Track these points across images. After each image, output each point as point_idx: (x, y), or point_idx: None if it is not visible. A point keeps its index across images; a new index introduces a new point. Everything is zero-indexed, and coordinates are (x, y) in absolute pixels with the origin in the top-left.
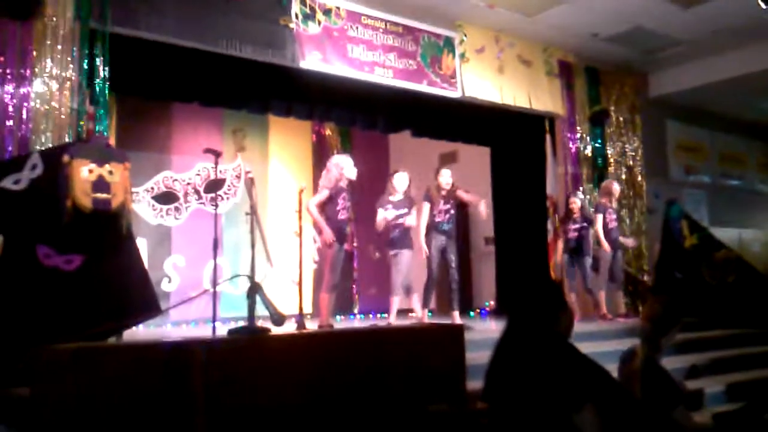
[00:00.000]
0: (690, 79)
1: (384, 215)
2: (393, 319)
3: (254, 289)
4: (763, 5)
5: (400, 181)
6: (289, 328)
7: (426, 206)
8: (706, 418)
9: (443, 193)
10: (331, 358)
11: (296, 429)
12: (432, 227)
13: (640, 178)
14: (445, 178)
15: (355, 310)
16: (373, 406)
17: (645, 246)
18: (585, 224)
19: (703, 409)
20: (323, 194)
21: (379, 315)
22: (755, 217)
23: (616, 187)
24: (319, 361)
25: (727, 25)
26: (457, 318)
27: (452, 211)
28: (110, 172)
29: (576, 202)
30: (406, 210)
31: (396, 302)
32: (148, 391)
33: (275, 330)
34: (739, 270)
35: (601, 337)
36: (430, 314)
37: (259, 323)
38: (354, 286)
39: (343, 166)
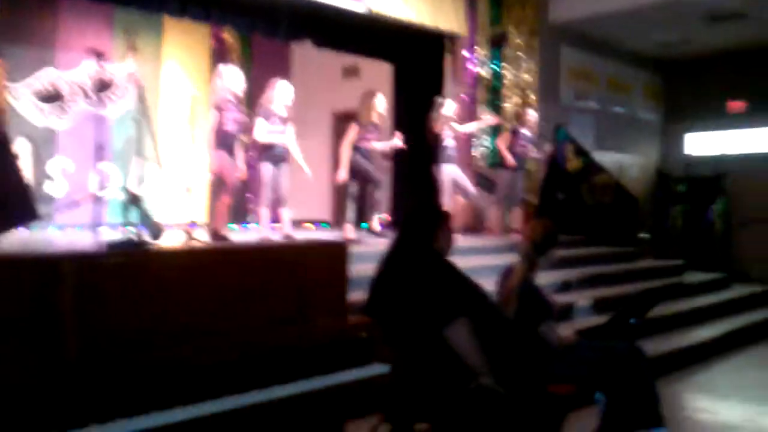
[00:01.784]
0: (588, 7)
1: (269, 129)
2: (266, 230)
3: (133, 201)
4: None
5: (284, 92)
6: (178, 237)
7: (354, 129)
8: (571, 332)
9: (375, 120)
10: (215, 276)
11: (177, 351)
12: (356, 150)
13: (533, 102)
14: (381, 104)
15: (249, 220)
16: (259, 324)
17: (533, 168)
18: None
19: (573, 321)
20: (215, 116)
21: (274, 224)
22: (636, 144)
23: (532, 113)
24: (201, 279)
25: None
26: (349, 231)
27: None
28: None
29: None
30: (288, 127)
31: (264, 213)
32: (9, 311)
33: (156, 243)
34: (615, 193)
35: (487, 252)
36: (325, 225)
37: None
38: (249, 195)
39: (230, 79)
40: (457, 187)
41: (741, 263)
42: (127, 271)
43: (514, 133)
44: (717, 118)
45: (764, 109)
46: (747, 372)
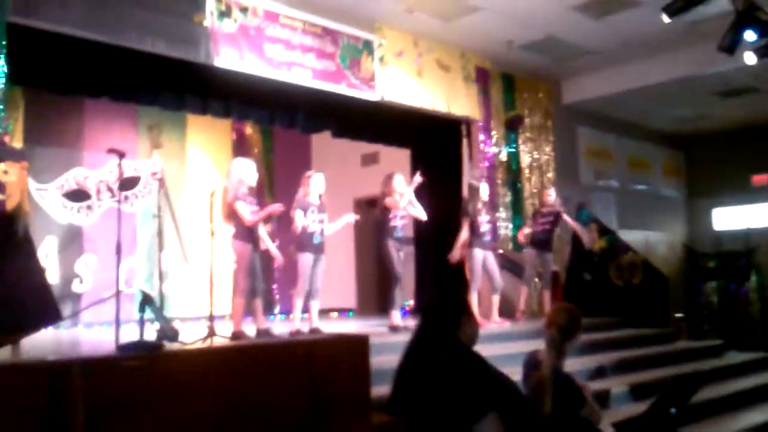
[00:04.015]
0: (600, 87)
1: (308, 219)
2: (297, 322)
3: (147, 302)
4: (666, 18)
5: (318, 182)
6: (200, 333)
7: (389, 208)
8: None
9: (398, 198)
10: (230, 378)
11: None
12: (387, 233)
13: (552, 183)
14: (401, 184)
15: (276, 311)
16: (278, 425)
17: (556, 249)
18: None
19: (610, 409)
20: (243, 208)
21: (301, 315)
22: (660, 220)
23: (551, 192)
24: (215, 382)
25: (635, 37)
26: (397, 317)
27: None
28: (5, 172)
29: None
30: (325, 215)
31: (299, 304)
32: (20, 418)
33: (171, 344)
34: (644, 272)
35: (513, 338)
36: (350, 314)
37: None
38: (275, 286)
39: (244, 172)
40: (486, 274)
41: None
42: (138, 376)
43: (535, 215)
44: (742, 192)
45: None
46: None
